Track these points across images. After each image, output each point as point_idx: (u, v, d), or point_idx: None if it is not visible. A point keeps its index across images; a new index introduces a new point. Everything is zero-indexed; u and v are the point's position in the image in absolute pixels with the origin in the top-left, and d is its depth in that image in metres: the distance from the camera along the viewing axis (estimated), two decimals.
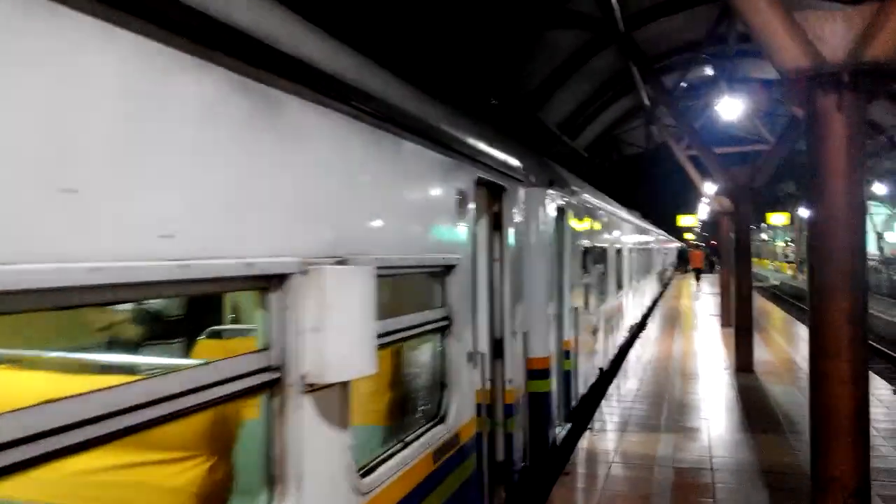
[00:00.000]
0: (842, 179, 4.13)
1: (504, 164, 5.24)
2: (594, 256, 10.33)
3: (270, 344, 2.35)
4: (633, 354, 13.92)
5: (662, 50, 14.33)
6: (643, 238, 22.25)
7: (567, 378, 7.96)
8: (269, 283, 2.34)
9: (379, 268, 2.89)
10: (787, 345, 15.43)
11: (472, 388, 4.39)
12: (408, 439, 3.49)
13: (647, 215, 28.92)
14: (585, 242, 9.51)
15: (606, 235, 12.20)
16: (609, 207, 12.75)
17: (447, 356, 4.08)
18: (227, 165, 2.10)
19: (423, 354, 4.05)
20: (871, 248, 39.08)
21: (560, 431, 7.47)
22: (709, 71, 16.62)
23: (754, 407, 9.08)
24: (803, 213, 53.04)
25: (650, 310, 23.59)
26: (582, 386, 8.90)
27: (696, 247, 50.07)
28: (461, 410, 4.15)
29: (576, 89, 15.19)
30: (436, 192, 3.85)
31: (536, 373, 6.54)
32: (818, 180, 4.23)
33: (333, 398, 2.60)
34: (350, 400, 2.73)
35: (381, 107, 3.08)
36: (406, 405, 3.88)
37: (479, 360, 4.45)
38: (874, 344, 19.77)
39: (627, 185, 33.70)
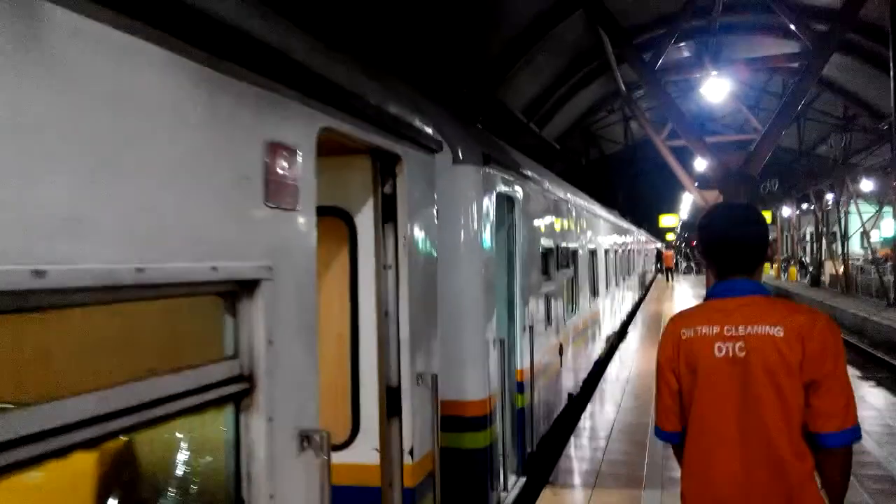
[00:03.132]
0: None
1: (393, 117, 3.38)
2: (560, 259, 8.50)
3: None
4: (611, 371, 12.13)
5: (637, 23, 12.56)
6: (623, 238, 20.51)
7: (521, 418, 6.11)
8: None
9: None
10: None
11: (310, 495, 2.51)
12: None
13: (627, 215, 27.36)
14: (547, 242, 7.68)
15: (577, 234, 10.38)
16: (580, 202, 10.95)
17: (246, 447, 2.21)
18: None
19: (188, 451, 2.17)
20: (856, 248, 37.84)
21: (509, 493, 5.61)
22: (689, 51, 14.95)
23: None
24: (786, 211, 51.86)
25: (631, 316, 21.87)
26: (543, 423, 7.06)
27: (668, 247, 53.87)
28: None
29: (541, 68, 13.38)
30: (200, 138, 1.97)
31: (466, 422, 4.69)
32: None
33: None
34: None
35: None
36: None
37: (323, 441, 2.54)
38: (871, 351, 18.20)
39: (608, 185, 32.15)
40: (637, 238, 27.97)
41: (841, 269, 34.77)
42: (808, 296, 32.07)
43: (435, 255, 3.98)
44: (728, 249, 2.48)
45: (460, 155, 4.78)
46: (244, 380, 2.21)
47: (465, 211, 4.83)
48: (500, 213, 5.64)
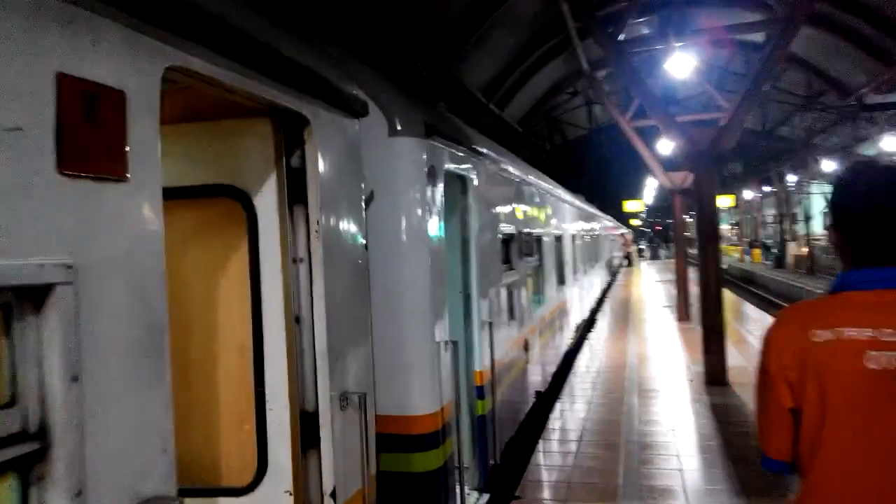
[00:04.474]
0: None
1: (297, 67, 2.61)
2: (523, 246, 7.81)
3: None
4: (581, 362, 11.53)
5: None
6: (590, 224, 19.98)
7: (482, 427, 5.41)
8: None
9: None
10: (755, 339, 13.27)
11: None
12: None
13: (592, 201, 26.95)
14: (508, 228, 6.98)
15: (542, 219, 9.72)
16: (545, 185, 10.28)
17: None
18: None
19: None
20: (818, 228, 38.02)
21: None
22: (650, 28, 14.36)
23: (741, 444, 6.70)
24: (748, 194, 52.13)
25: (600, 302, 21.39)
26: (508, 429, 6.37)
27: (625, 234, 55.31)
28: None
29: (499, 44, 12.64)
30: None
31: (413, 441, 3.98)
32: None
33: None
34: None
35: None
36: None
37: None
38: None
39: (572, 170, 31.71)
40: (604, 223, 27.55)
41: (804, 251, 34.91)
42: (774, 277, 32.08)
43: (363, 243, 3.23)
44: (881, 225, 1.81)
45: (398, 125, 4.03)
46: (31, 438, 1.45)
47: (406, 191, 4.10)
48: (450, 194, 4.92)
